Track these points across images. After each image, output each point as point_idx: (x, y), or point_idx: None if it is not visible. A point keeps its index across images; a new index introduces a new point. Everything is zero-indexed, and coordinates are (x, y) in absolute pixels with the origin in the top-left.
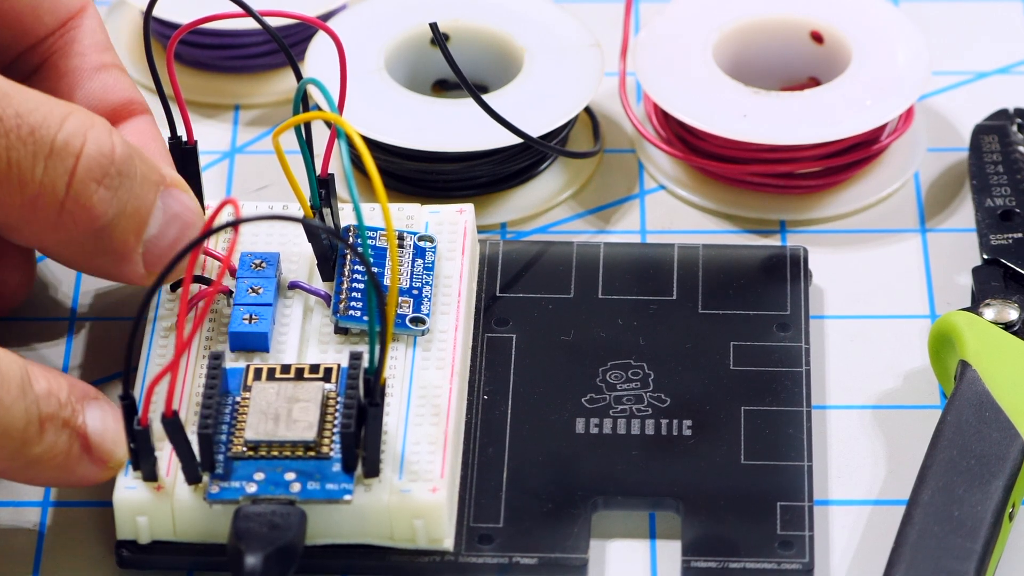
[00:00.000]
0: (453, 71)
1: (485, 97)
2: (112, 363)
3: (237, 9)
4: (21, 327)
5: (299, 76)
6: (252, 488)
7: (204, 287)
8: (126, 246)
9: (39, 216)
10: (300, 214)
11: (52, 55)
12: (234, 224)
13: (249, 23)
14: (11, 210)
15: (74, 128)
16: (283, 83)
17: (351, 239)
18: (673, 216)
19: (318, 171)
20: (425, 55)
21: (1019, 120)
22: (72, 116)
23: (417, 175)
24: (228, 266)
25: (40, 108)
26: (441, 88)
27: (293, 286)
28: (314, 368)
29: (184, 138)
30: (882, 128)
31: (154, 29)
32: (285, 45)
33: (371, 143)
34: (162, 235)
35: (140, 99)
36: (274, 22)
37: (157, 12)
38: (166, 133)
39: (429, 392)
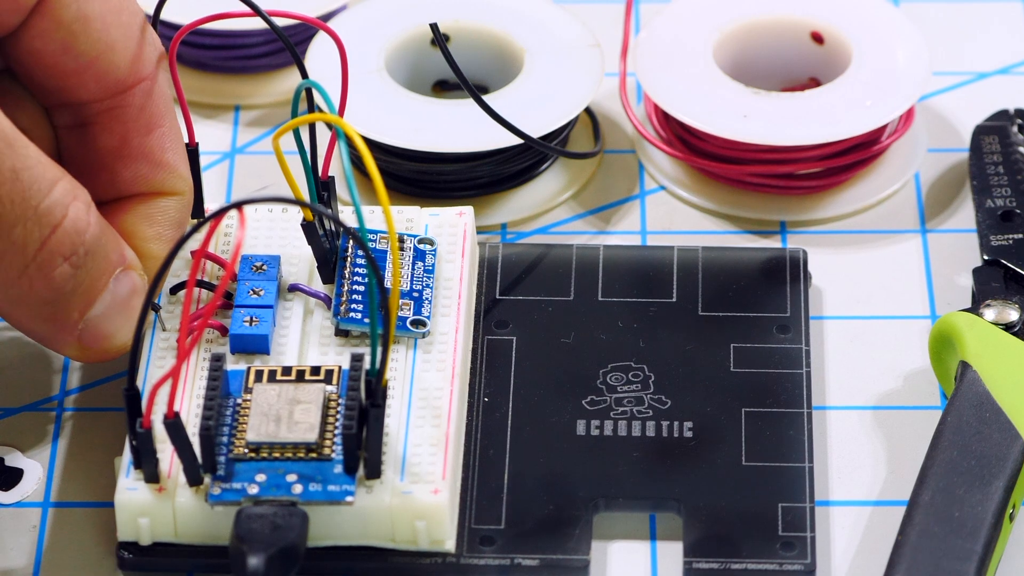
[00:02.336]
0: (453, 71)
1: (485, 97)
2: (112, 364)
3: (241, 9)
4: None
5: (305, 75)
6: (254, 490)
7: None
8: (69, 320)
9: None
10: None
11: (94, 124)
12: (237, 206)
13: (249, 23)
14: None
15: (59, 197)
16: (284, 84)
17: (351, 242)
18: (673, 217)
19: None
20: (425, 55)
21: (1019, 121)
22: (60, 184)
23: (417, 175)
24: (231, 272)
25: (34, 168)
26: (441, 88)
27: (293, 288)
28: (315, 370)
29: (185, 140)
30: (882, 129)
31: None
32: (291, 44)
33: (371, 143)
34: (104, 317)
35: (171, 184)
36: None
37: None
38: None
39: (430, 394)
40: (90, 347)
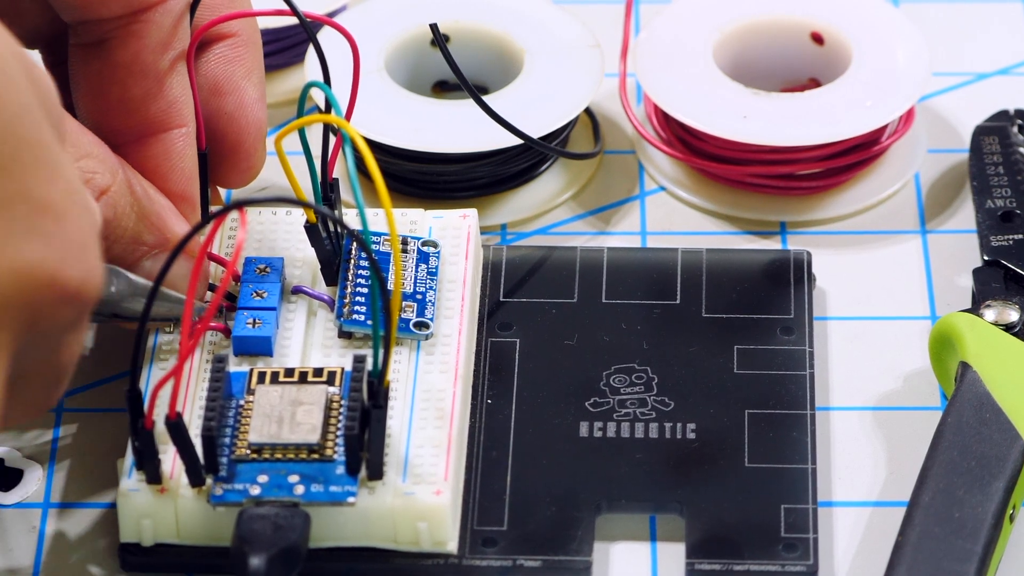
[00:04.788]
0: (453, 72)
1: (485, 98)
2: (112, 364)
3: (274, 7)
4: None
5: (326, 71)
6: (256, 490)
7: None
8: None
9: None
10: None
11: (113, 39)
12: (238, 206)
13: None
14: None
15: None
16: (287, 83)
17: (354, 244)
18: (673, 217)
19: (320, 174)
20: (425, 56)
21: (1019, 121)
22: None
23: (417, 176)
24: (232, 272)
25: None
26: (441, 89)
27: (297, 291)
28: (318, 371)
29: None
30: (882, 129)
31: None
32: (314, 35)
33: (371, 144)
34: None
35: (179, 110)
36: (278, 21)
37: None
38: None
39: (433, 396)
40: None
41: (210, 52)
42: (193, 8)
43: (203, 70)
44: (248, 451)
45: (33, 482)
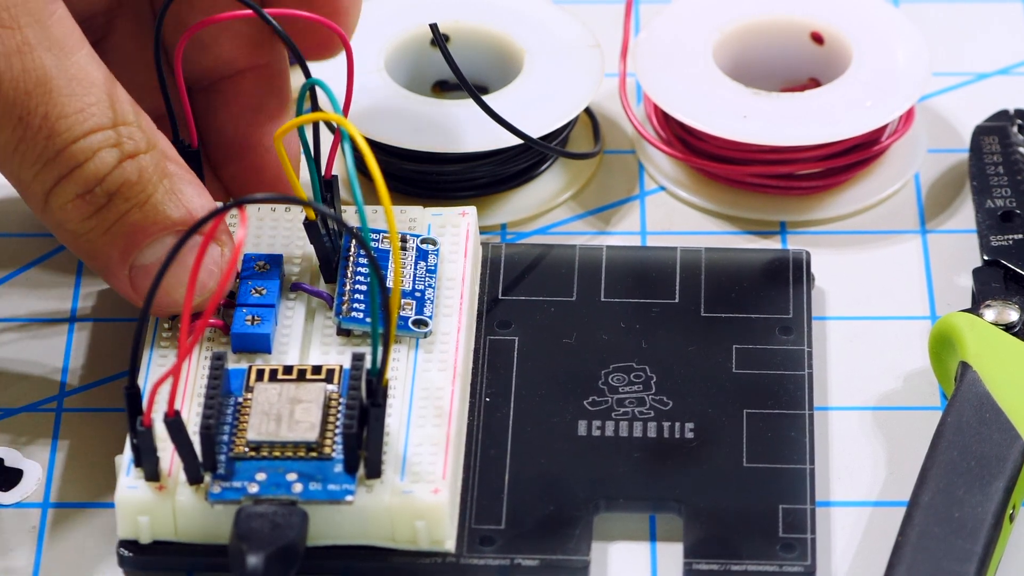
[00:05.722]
0: (453, 72)
1: (485, 98)
2: (112, 364)
3: (249, 9)
4: (20, 327)
5: (307, 74)
6: (254, 488)
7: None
8: (109, 258)
9: (30, 202)
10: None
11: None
12: (239, 204)
13: None
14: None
15: (89, 143)
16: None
17: (353, 241)
18: (673, 217)
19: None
20: (425, 56)
21: (1019, 121)
22: (97, 134)
23: (417, 176)
24: (232, 268)
25: (69, 117)
26: (441, 89)
27: (296, 288)
28: (316, 369)
29: (186, 142)
30: (882, 129)
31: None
32: (293, 43)
33: (371, 144)
34: (153, 269)
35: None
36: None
37: None
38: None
39: (431, 394)
40: (140, 294)
41: None
42: (166, 6)
43: None
44: (246, 449)
45: (32, 482)
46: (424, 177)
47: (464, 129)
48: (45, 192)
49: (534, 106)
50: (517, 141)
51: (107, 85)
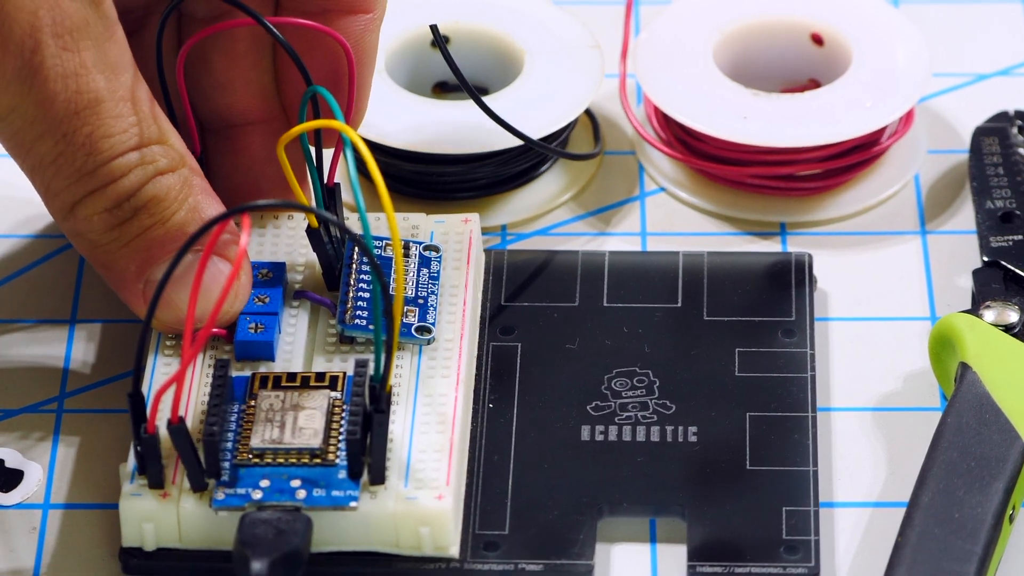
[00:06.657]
0: (453, 73)
1: (485, 99)
2: (113, 365)
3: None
4: (21, 328)
5: (308, 82)
6: (258, 495)
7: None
8: (125, 274)
9: (53, 209)
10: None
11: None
12: (241, 211)
13: None
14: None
15: (127, 161)
16: None
17: (356, 249)
18: (673, 218)
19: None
20: (425, 57)
21: (1019, 122)
22: (134, 153)
23: (417, 177)
24: (234, 274)
25: (112, 137)
26: (441, 90)
27: (299, 295)
28: (320, 376)
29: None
30: (882, 130)
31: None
32: (292, 50)
33: (371, 145)
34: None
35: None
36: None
37: None
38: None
39: (435, 400)
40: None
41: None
42: (166, 15)
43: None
44: (250, 456)
45: (34, 483)
46: (424, 178)
47: (464, 130)
48: (74, 202)
49: (534, 107)
50: (517, 142)
51: (148, 103)
